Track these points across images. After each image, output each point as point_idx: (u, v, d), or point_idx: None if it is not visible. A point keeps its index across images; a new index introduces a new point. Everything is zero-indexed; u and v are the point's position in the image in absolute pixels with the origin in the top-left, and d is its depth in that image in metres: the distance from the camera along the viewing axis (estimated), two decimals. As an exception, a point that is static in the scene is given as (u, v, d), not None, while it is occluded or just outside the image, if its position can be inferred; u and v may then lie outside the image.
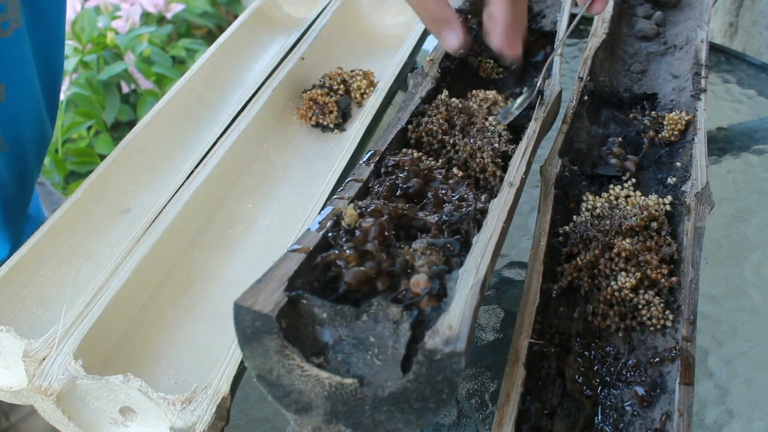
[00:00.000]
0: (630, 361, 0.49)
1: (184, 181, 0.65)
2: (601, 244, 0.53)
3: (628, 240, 0.53)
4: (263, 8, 0.89)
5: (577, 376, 0.50)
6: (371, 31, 0.89)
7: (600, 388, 0.49)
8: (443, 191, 0.47)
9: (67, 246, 0.62)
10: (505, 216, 0.44)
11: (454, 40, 0.59)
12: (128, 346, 0.56)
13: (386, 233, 0.40)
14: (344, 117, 0.77)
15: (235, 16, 1.46)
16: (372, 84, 0.80)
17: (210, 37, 1.87)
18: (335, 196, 0.45)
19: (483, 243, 0.40)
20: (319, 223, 0.41)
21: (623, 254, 0.52)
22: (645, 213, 0.54)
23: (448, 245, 0.41)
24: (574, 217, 0.58)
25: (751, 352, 0.59)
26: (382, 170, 0.49)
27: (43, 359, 0.52)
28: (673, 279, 0.51)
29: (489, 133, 0.56)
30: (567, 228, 0.57)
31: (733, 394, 0.56)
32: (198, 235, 0.65)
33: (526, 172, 0.52)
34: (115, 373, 0.49)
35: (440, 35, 0.60)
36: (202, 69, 0.78)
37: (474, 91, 0.63)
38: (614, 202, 0.58)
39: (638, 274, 0.51)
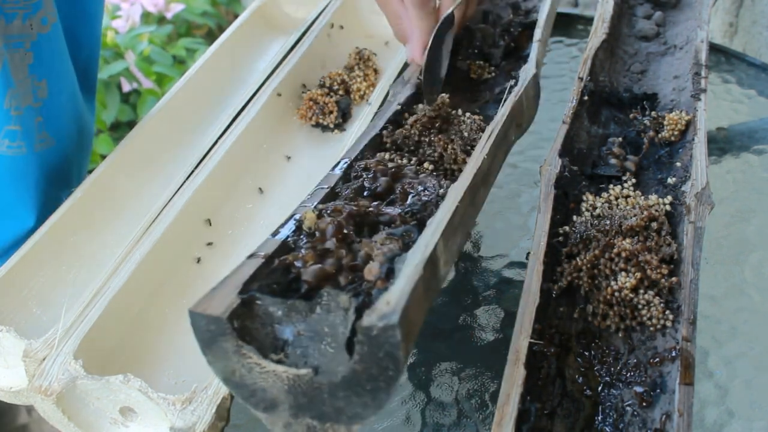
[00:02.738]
0: (630, 361, 0.49)
1: (184, 181, 0.65)
2: (601, 244, 0.53)
3: (628, 240, 0.53)
4: (263, 8, 0.89)
5: (577, 376, 0.50)
6: (371, 31, 0.89)
7: (600, 388, 0.49)
8: (410, 185, 0.46)
9: (67, 246, 0.62)
10: (461, 195, 0.43)
11: (408, 53, 0.64)
12: (128, 346, 0.56)
13: (345, 230, 0.40)
14: (344, 117, 0.77)
15: (235, 16, 1.46)
16: (372, 84, 0.80)
17: (210, 36, 1.87)
18: (300, 204, 0.45)
19: (435, 223, 0.40)
20: (279, 229, 0.41)
21: (623, 254, 0.52)
22: (645, 213, 0.54)
23: (407, 233, 0.41)
24: (574, 217, 0.58)
25: (751, 352, 0.59)
26: (352, 175, 0.49)
27: (43, 359, 0.52)
28: (673, 279, 0.51)
29: (464, 125, 0.56)
30: (567, 228, 0.57)
31: (733, 394, 0.56)
32: (198, 235, 0.65)
33: (495, 155, 0.50)
34: (115, 373, 0.49)
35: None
36: (202, 69, 0.78)
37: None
38: (614, 202, 0.58)
39: (638, 274, 0.51)
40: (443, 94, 0.59)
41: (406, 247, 0.40)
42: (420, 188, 0.46)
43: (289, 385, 0.35)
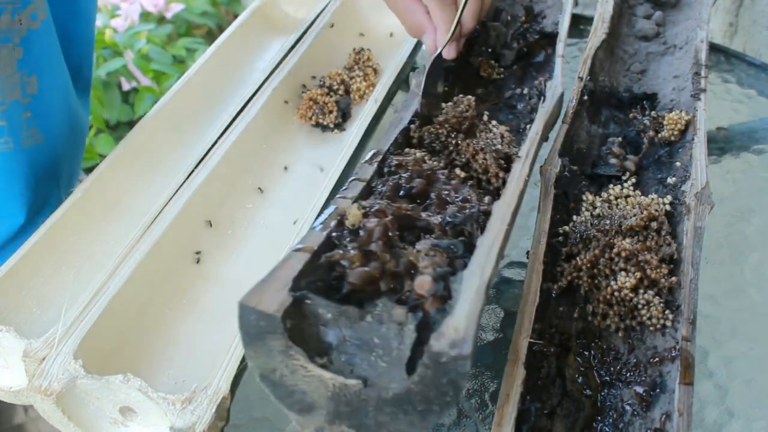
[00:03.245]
0: (630, 361, 0.49)
1: (184, 181, 0.65)
2: (600, 244, 0.53)
3: (628, 240, 0.53)
4: (263, 8, 0.89)
5: (577, 376, 0.50)
6: (371, 31, 0.89)
7: (600, 388, 0.49)
8: (446, 192, 0.46)
9: (67, 246, 0.62)
10: (508, 218, 0.44)
11: (428, 43, 0.65)
12: (128, 346, 0.56)
13: (390, 234, 0.40)
14: (344, 117, 0.77)
15: (235, 16, 1.46)
16: (372, 84, 0.80)
17: (210, 36, 1.87)
18: (338, 195, 0.45)
19: (487, 245, 0.39)
20: (323, 222, 0.41)
21: (623, 254, 0.52)
22: (645, 213, 0.54)
23: (452, 247, 0.41)
24: (574, 217, 0.58)
25: (751, 352, 0.59)
26: (386, 170, 0.49)
27: (43, 359, 0.52)
28: (673, 279, 0.51)
29: (491, 134, 0.56)
30: (567, 228, 0.57)
31: (733, 394, 0.56)
32: (198, 235, 0.65)
33: (529, 174, 0.52)
34: (115, 373, 0.49)
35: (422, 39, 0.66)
36: (202, 69, 0.78)
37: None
38: (614, 201, 0.58)
39: (638, 274, 0.51)
40: (469, 96, 0.59)
41: (451, 261, 0.40)
42: (458, 199, 0.46)
43: (333, 392, 0.35)
